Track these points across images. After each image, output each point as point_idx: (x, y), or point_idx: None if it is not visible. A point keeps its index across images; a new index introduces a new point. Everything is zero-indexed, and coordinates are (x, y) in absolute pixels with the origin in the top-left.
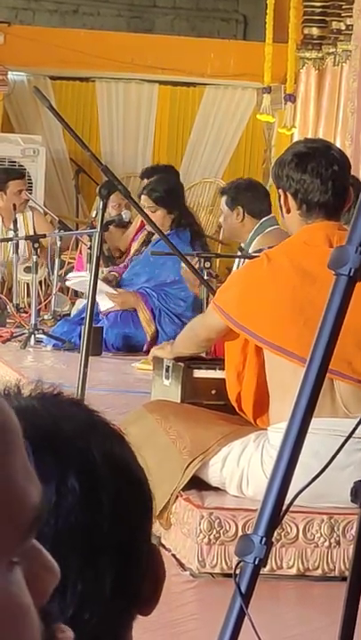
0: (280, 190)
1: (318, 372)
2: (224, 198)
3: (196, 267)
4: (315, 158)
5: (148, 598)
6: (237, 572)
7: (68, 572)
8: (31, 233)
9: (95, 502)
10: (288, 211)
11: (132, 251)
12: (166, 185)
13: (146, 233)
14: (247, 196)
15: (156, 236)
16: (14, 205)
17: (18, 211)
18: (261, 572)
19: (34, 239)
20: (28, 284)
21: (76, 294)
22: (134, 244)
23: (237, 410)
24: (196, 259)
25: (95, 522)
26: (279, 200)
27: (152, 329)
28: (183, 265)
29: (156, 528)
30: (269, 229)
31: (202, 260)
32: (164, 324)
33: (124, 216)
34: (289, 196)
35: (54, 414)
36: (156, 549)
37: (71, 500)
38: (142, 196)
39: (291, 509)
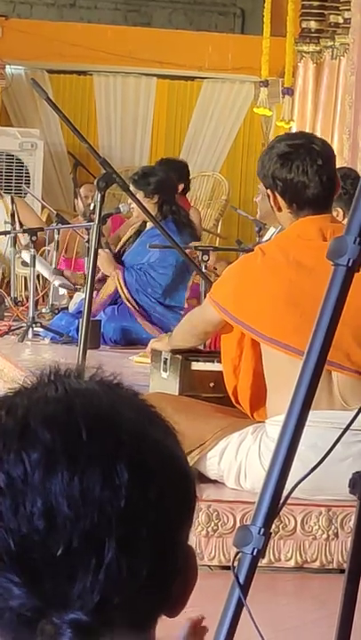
0: (268, 190)
1: (316, 363)
2: None
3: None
4: (298, 156)
5: (176, 599)
6: (235, 563)
7: (106, 553)
8: (17, 225)
9: (142, 490)
10: (279, 209)
11: (124, 239)
12: (149, 172)
13: (140, 223)
14: None
15: (146, 228)
16: (12, 197)
17: None
18: (259, 565)
19: (31, 232)
20: (25, 278)
21: (76, 289)
22: (124, 234)
23: (234, 403)
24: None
25: (139, 509)
26: (269, 199)
27: (125, 294)
28: None
29: None
30: None
31: (200, 253)
32: (142, 301)
33: (122, 209)
34: (278, 195)
35: (114, 400)
36: (192, 552)
37: (118, 484)
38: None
39: (289, 502)
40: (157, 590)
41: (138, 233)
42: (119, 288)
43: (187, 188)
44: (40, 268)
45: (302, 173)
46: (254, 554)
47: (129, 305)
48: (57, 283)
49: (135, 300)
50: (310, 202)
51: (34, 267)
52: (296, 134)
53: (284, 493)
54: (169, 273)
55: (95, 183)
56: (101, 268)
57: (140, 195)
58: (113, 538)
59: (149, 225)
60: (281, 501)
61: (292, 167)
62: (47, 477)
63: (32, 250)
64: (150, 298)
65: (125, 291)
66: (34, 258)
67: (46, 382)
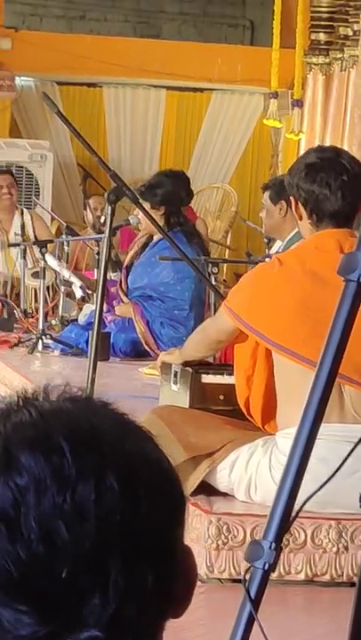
0: (291, 198)
1: (327, 378)
2: (267, 193)
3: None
4: (324, 168)
5: (181, 599)
6: (247, 577)
7: (110, 568)
8: (31, 237)
9: (134, 500)
10: (300, 218)
11: (131, 253)
12: (156, 183)
13: (146, 237)
14: None
15: (154, 240)
16: (22, 210)
17: (1, 208)
18: (270, 578)
19: (41, 244)
20: (35, 290)
21: (83, 300)
22: (131, 250)
23: (246, 414)
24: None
25: (134, 519)
26: (290, 206)
27: (149, 340)
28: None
29: None
30: None
31: (209, 265)
32: (166, 335)
33: (131, 221)
34: (300, 204)
35: (88, 415)
36: (189, 550)
37: (110, 497)
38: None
39: (299, 515)
40: (164, 594)
41: (144, 247)
42: (135, 322)
43: (190, 198)
44: (57, 267)
45: (325, 186)
46: (266, 568)
47: (141, 337)
48: (78, 284)
49: (155, 332)
50: (330, 215)
51: (44, 279)
52: (328, 147)
53: (295, 508)
54: (189, 284)
55: (106, 196)
56: (128, 315)
57: (146, 206)
58: (115, 551)
59: (156, 238)
60: (292, 516)
61: (317, 179)
62: (39, 502)
63: (42, 262)
64: (178, 327)
65: (142, 324)
66: (44, 270)
67: (16, 408)
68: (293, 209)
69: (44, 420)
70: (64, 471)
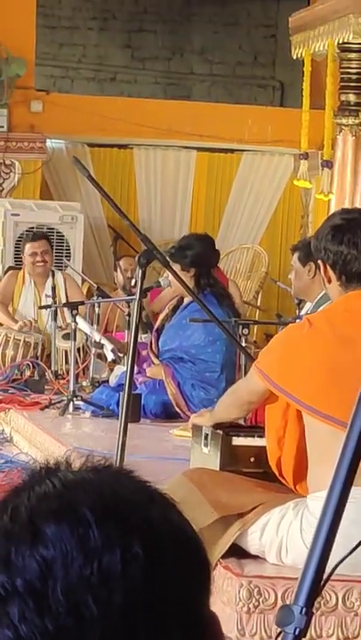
0: (320, 261)
1: (358, 440)
2: (296, 254)
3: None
4: (350, 229)
5: None
6: None
7: (138, 636)
8: (63, 299)
9: (160, 569)
10: (329, 281)
11: (162, 316)
12: (185, 245)
13: (177, 299)
14: None
15: (185, 302)
16: (52, 272)
17: (35, 274)
18: None
19: (72, 306)
20: (66, 351)
21: (114, 361)
22: (162, 312)
23: (278, 475)
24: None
25: (160, 586)
26: (320, 271)
27: (180, 402)
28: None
29: None
30: None
31: (240, 326)
32: (197, 397)
33: (162, 283)
34: (328, 267)
35: (111, 485)
36: (215, 616)
37: (136, 566)
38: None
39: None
40: None
41: (175, 309)
42: (166, 384)
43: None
44: (87, 331)
45: (353, 246)
46: (296, 633)
47: (172, 399)
48: (109, 347)
49: (186, 394)
50: (359, 275)
51: (74, 340)
52: (353, 209)
53: (327, 571)
54: (221, 346)
55: (137, 260)
56: (159, 377)
57: (176, 268)
58: (142, 619)
59: (187, 300)
60: (323, 581)
61: (343, 239)
62: (66, 574)
63: (73, 324)
64: (210, 389)
65: (173, 386)
66: (74, 332)
67: (39, 479)
68: (323, 272)
69: (68, 491)
70: (90, 543)
